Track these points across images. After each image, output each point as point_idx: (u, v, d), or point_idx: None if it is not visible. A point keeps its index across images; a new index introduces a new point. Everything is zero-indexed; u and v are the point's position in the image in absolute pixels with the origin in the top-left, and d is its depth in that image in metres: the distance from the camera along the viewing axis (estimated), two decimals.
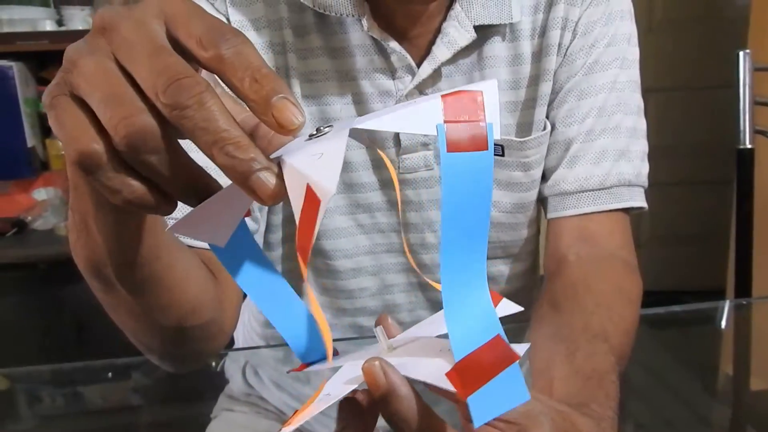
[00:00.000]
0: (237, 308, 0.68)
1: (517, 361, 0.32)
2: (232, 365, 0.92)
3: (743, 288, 1.25)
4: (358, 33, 0.70)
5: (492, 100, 0.33)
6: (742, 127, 1.23)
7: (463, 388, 0.32)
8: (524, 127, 0.75)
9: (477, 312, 0.33)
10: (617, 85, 0.74)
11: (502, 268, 0.83)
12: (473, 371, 0.32)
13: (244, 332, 0.96)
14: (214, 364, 0.91)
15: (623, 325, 0.64)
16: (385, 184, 0.75)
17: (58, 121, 0.34)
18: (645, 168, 0.76)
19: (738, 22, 2.30)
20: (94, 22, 0.34)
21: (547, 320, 0.66)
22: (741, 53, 1.23)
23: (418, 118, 0.32)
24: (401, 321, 0.79)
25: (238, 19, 0.69)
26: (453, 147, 0.32)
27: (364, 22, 0.68)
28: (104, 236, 0.44)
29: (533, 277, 0.87)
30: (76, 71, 0.33)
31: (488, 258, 0.79)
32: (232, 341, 0.93)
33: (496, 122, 0.32)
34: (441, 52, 0.70)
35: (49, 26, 2.00)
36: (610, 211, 0.74)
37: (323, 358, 0.41)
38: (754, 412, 0.86)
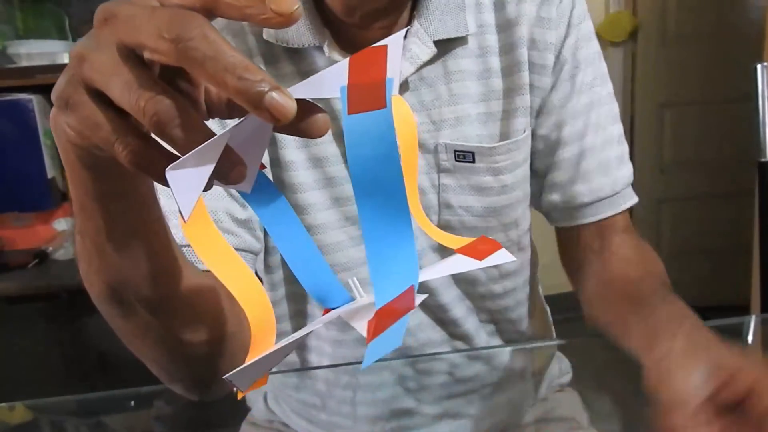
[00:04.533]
0: None
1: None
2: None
3: None
4: (324, 56, 0.73)
5: (395, 52, 0.32)
6: (762, 140, 1.22)
7: (373, 335, 0.33)
8: (498, 137, 0.79)
9: (399, 262, 0.34)
10: (603, 99, 0.82)
11: (478, 272, 0.83)
12: (384, 319, 0.33)
13: None
14: (235, 390, 0.90)
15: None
16: None
17: (88, 123, 0.35)
18: (631, 166, 0.85)
19: (752, 35, 2.29)
20: (96, 16, 0.35)
21: (606, 303, 0.76)
22: (759, 66, 1.22)
23: (325, 81, 0.32)
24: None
25: None
26: (354, 108, 0.31)
27: (326, 48, 0.71)
28: (119, 252, 0.44)
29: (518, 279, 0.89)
30: (87, 65, 0.34)
31: None
32: None
33: (397, 75, 0.32)
34: (404, 67, 0.74)
35: (66, 59, 2.01)
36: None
37: (344, 303, 0.42)
38: None
